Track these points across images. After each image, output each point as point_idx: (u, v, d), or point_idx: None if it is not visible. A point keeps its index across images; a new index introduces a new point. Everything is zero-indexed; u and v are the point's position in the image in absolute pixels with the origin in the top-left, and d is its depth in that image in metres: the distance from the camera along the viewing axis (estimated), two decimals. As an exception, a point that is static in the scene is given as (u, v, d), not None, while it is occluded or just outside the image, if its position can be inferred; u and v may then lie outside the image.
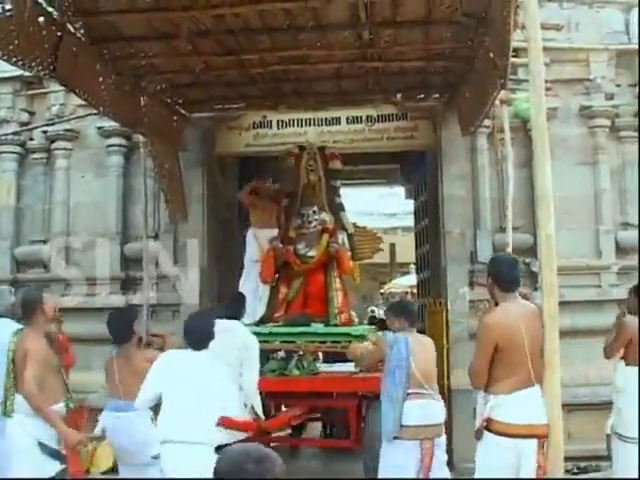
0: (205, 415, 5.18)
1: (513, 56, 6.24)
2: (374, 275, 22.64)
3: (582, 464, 8.78)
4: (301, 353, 8.48)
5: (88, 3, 6.91)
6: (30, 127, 11.11)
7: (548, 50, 5.62)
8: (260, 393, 7.44)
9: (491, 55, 6.75)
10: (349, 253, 9.41)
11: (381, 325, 10.64)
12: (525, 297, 7.01)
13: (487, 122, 9.37)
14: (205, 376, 5.34)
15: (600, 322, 8.42)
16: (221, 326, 6.04)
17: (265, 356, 8.29)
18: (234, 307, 7.85)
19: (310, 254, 9.37)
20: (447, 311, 9.65)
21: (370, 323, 11.89)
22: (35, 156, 11.09)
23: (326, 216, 9.46)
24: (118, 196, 10.51)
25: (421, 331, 7.85)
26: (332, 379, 8.40)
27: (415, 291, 17.29)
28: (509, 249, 8.67)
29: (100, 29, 7.55)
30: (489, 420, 4.80)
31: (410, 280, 20.56)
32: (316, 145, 9.66)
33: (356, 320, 9.43)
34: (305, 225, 9.47)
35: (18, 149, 11.06)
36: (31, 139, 11.14)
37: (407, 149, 10.79)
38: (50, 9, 6.95)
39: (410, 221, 14.70)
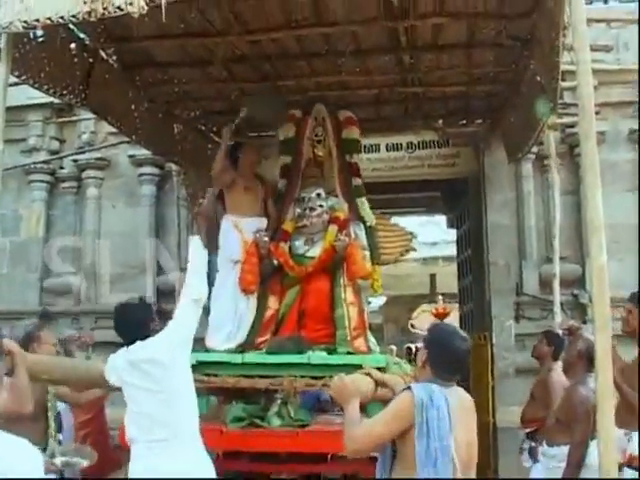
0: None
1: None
2: (413, 307, 22.51)
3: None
4: (285, 394, 6.40)
5: (121, 29, 6.98)
6: (60, 155, 11.27)
7: (596, 72, 5.56)
8: (217, 456, 5.63)
9: (538, 78, 6.73)
10: (366, 252, 7.36)
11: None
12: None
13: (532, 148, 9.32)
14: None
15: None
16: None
17: (231, 398, 6.78)
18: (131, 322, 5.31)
19: (311, 254, 7.30)
20: (492, 345, 9.57)
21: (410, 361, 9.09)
22: (65, 185, 11.23)
23: (336, 202, 7.52)
24: (150, 226, 10.59)
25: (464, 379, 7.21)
26: (331, 434, 5.65)
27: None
28: (557, 280, 8.64)
29: (132, 55, 7.65)
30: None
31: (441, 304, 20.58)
32: (325, 107, 7.87)
33: (377, 349, 7.08)
34: (306, 214, 7.35)
35: (48, 178, 11.21)
36: (61, 168, 11.29)
37: (449, 177, 10.73)
38: (82, 35, 7.07)
39: (451, 250, 14.62)
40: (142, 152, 10.16)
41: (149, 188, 10.74)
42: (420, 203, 14.38)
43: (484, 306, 10.11)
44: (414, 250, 8.17)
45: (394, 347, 15.13)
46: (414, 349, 14.09)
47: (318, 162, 7.72)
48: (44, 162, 11.17)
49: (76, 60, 7.04)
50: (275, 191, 7.82)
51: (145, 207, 10.68)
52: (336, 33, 7.16)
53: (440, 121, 9.92)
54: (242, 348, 7.02)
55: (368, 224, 7.59)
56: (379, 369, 5.52)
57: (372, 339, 7.21)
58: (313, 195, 7.44)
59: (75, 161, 11.07)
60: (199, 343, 6.51)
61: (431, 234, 20.44)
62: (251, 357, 6.73)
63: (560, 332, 7.52)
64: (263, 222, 7.58)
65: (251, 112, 7.92)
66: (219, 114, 9.11)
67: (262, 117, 8.49)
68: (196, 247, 5.58)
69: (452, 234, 13.87)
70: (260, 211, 7.64)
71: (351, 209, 7.58)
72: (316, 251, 7.26)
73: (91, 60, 7.24)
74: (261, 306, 7.27)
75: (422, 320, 21.26)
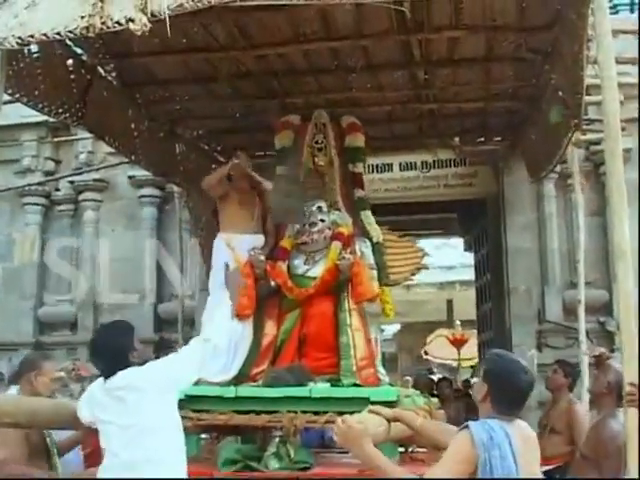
0: None
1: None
2: (429, 335, 22.45)
3: None
4: (284, 432, 5.83)
5: (120, 45, 7.00)
6: (56, 177, 11.33)
7: (622, 86, 5.56)
8: None
9: (560, 93, 6.73)
10: (373, 271, 6.99)
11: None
12: (603, 359, 6.92)
13: (554, 167, 9.33)
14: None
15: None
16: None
17: (224, 437, 6.71)
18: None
19: (312, 274, 6.89)
20: (513, 376, 9.50)
21: (431, 394, 8.81)
22: (61, 208, 11.28)
23: (339, 216, 7.17)
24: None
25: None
26: (337, 478, 5.60)
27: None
28: (582, 307, 8.59)
29: (133, 72, 7.67)
30: None
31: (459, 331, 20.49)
32: (326, 113, 7.56)
33: (386, 380, 6.74)
34: (306, 230, 7.03)
35: (43, 200, 11.27)
36: (57, 190, 11.34)
37: (466, 197, 10.75)
38: (79, 51, 7.11)
39: (469, 275, 14.63)
40: (142, 173, 10.19)
41: (150, 211, 10.77)
42: (435, 225, 14.38)
43: (504, 334, 10.07)
44: (426, 268, 7.65)
45: (409, 378, 15.01)
46: (436, 380, 12.86)
47: (319, 172, 7.37)
48: (39, 184, 11.22)
49: (73, 77, 7.07)
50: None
51: (146, 231, 10.70)
52: (346, 48, 7.18)
53: (456, 139, 9.91)
54: (236, 380, 6.58)
55: (375, 240, 7.21)
56: (389, 403, 5.40)
57: (381, 369, 6.82)
58: (314, 209, 7.10)
59: (72, 183, 11.12)
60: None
61: (447, 258, 20.49)
62: (245, 390, 6.24)
63: (587, 360, 7.46)
64: (259, 239, 7.27)
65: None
66: (223, 133, 9.14)
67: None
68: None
69: (470, 258, 13.88)
70: (257, 228, 7.34)
71: (356, 224, 7.27)
72: (317, 271, 6.86)
73: (89, 77, 7.26)
74: (257, 333, 6.85)
75: (437, 346, 21.19)
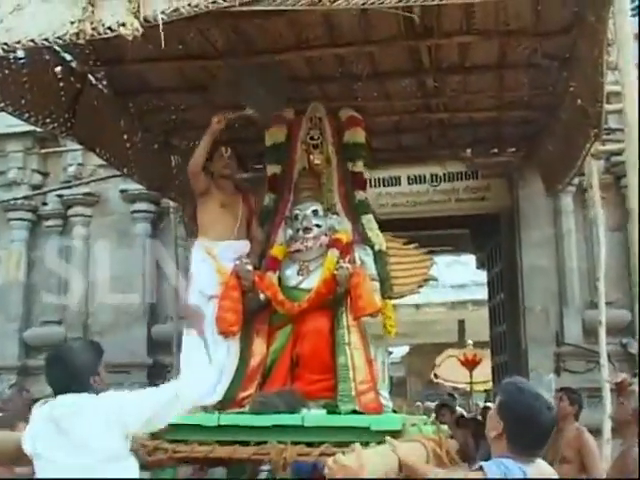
0: None
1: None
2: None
3: None
4: (273, 466, 5.45)
5: (112, 51, 7.00)
6: (43, 190, 11.32)
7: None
8: None
9: (579, 101, 6.72)
10: (374, 283, 6.58)
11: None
12: (625, 385, 6.89)
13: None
14: None
15: None
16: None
17: (205, 471, 6.44)
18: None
19: (306, 286, 6.54)
20: (530, 402, 9.46)
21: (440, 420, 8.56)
22: (49, 223, 11.26)
23: (337, 221, 6.83)
24: (145, 269, 10.58)
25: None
26: None
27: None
28: (602, 328, 8.56)
29: (125, 80, 7.68)
30: None
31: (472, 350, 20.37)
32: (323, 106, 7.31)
33: (389, 406, 6.42)
34: (300, 236, 6.62)
35: (29, 215, 11.26)
36: (44, 204, 11.34)
37: (478, 212, 10.73)
38: (69, 58, 7.12)
39: (482, 294, 14.58)
40: (135, 187, 10.18)
41: (143, 226, 10.76)
42: (446, 242, 14.37)
43: (520, 357, 10.04)
44: (434, 279, 7.35)
45: (420, 404, 14.94)
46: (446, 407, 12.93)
47: (314, 172, 7.02)
48: (25, 198, 11.21)
49: (62, 85, 7.09)
50: (261, 208, 7.23)
51: (139, 248, 10.69)
52: (351, 54, 7.18)
53: (468, 150, 9.93)
54: (220, 405, 6.25)
55: (377, 248, 6.82)
56: (393, 433, 5.12)
57: (384, 394, 6.45)
58: (308, 212, 6.70)
59: (60, 197, 11.11)
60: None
61: (459, 275, 20.52)
62: (229, 418, 5.89)
63: (608, 386, 7.43)
64: (244, 246, 6.90)
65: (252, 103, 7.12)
66: (221, 144, 9.12)
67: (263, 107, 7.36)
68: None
69: (482, 276, 13.86)
70: (241, 233, 6.98)
71: (355, 230, 6.93)
72: (312, 282, 6.48)
73: (78, 85, 7.28)
74: (244, 352, 6.49)
75: (447, 369, 21.10)
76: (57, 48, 6.69)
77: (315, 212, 6.71)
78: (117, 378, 10.16)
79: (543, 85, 7.74)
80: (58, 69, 6.99)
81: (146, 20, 4.72)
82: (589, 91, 6.29)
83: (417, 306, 20.45)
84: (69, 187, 11.01)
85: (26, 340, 10.99)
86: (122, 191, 10.82)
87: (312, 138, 7.06)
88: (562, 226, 9.90)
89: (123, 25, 4.68)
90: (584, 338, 9.70)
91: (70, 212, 11.09)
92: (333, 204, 6.98)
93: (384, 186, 10.34)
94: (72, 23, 4.82)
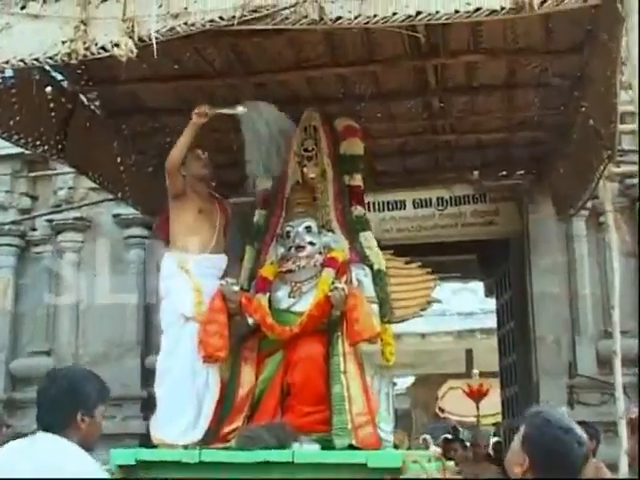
0: None
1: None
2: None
3: None
4: None
5: (105, 71, 7.02)
6: (32, 215, 11.28)
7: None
8: None
9: (591, 122, 6.73)
10: (373, 305, 6.33)
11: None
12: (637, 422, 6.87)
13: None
14: None
15: None
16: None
17: None
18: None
19: (298, 308, 6.28)
20: (541, 436, 9.42)
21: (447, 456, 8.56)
22: (38, 250, 11.23)
23: (332, 239, 6.61)
24: (139, 298, 10.55)
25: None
26: None
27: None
28: (618, 359, 8.54)
29: (118, 100, 7.72)
30: None
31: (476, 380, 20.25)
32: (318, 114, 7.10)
33: (389, 440, 6.23)
34: (292, 255, 6.42)
35: (17, 241, 11.20)
36: (33, 229, 11.30)
37: (486, 237, 10.72)
38: (60, 77, 7.14)
39: (491, 322, 14.56)
40: (129, 211, 10.18)
41: (137, 253, 10.73)
42: (453, 268, 14.35)
43: (531, 389, 9.99)
44: (438, 301, 7.02)
45: (428, 437, 14.82)
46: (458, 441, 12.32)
47: (308, 186, 6.84)
48: (13, 223, 11.17)
49: (52, 106, 7.12)
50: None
51: (132, 275, 10.65)
52: (354, 74, 7.23)
53: (476, 173, 9.95)
54: (203, 441, 5.97)
55: (376, 267, 6.59)
56: (392, 471, 5.12)
57: (385, 427, 6.22)
58: (301, 229, 6.49)
59: (50, 222, 11.07)
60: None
61: (466, 303, 20.49)
62: (212, 454, 5.61)
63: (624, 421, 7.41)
64: (222, 261, 6.59)
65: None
66: (219, 167, 9.12)
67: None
68: None
69: (491, 303, 13.84)
70: (219, 245, 6.62)
71: (352, 248, 6.68)
72: (305, 305, 6.20)
73: (70, 106, 7.32)
74: (231, 382, 6.20)
75: (452, 401, 20.97)
76: (47, 68, 6.72)
77: (308, 229, 6.52)
78: (109, 412, 10.16)
79: (554, 105, 7.78)
80: (48, 89, 7.03)
81: (141, 40, 4.74)
82: (602, 111, 6.30)
83: (423, 335, 20.39)
84: (59, 212, 10.98)
85: (12, 371, 10.94)
86: (115, 216, 10.80)
87: (306, 149, 6.89)
88: (574, 252, 9.88)
89: (117, 45, 4.70)
90: (598, 369, 9.66)
91: (60, 238, 11.05)
92: (328, 220, 6.78)
93: (388, 210, 10.33)
94: (64, 43, 4.86)
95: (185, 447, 5.86)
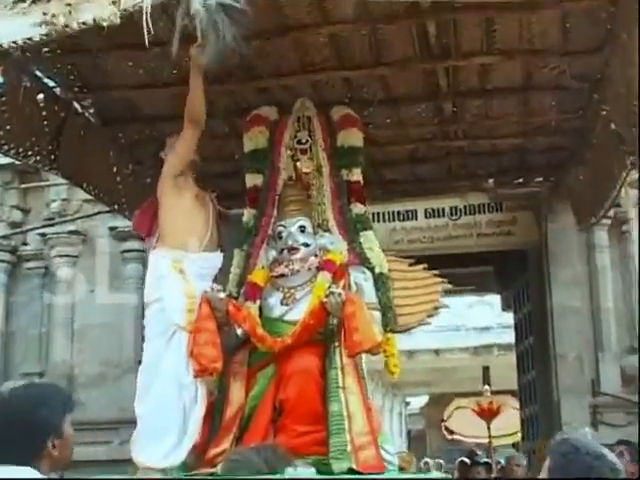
0: None
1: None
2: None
3: None
4: None
5: (99, 77, 7.04)
6: (24, 229, 11.29)
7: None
8: None
9: (612, 126, 6.73)
10: (375, 312, 6.10)
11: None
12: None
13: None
14: None
15: None
16: None
17: None
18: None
19: (292, 317, 5.99)
20: (563, 458, 9.39)
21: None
22: (30, 265, 11.23)
23: (329, 240, 6.35)
24: (137, 315, 10.50)
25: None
26: None
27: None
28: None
29: (114, 108, 7.72)
30: None
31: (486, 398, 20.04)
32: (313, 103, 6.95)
33: (394, 462, 5.96)
34: (284, 258, 6.14)
35: (7, 257, 11.21)
36: (25, 244, 11.31)
37: (503, 248, 10.71)
38: (52, 84, 7.14)
39: (509, 337, 14.54)
40: (126, 224, 10.14)
41: (135, 267, 10.73)
42: (468, 281, 14.33)
43: (552, 409, 9.96)
44: (446, 307, 6.77)
45: (441, 461, 14.75)
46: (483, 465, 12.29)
47: (302, 182, 6.62)
48: (3, 237, 11.19)
49: (44, 114, 7.09)
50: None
51: (130, 291, 10.64)
52: (361, 78, 7.23)
53: (491, 181, 9.92)
54: (187, 465, 5.66)
55: (377, 270, 6.35)
56: None
57: (389, 448, 5.95)
58: (294, 229, 6.21)
59: (42, 235, 11.09)
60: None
61: (482, 318, 20.47)
62: None
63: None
64: (218, 260, 6.26)
65: None
66: (220, 177, 9.15)
67: None
68: None
69: (508, 318, 13.82)
70: (212, 242, 6.23)
71: (352, 249, 6.43)
72: (299, 313, 5.89)
73: (63, 114, 7.30)
74: (218, 400, 5.90)
75: (459, 422, 20.75)
76: (39, 73, 6.75)
77: (302, 229, 6.26)
78: (105, 436, 10.18)
79: (572, 108, 7.77)
80: (40, 96, 6.99)
81: (125, 10, 4.62)
82: (623, 114, 6.30)
83: (437, 351, 20.41)
84: (52, 225, 10.98)
85: (4, 394, 10.91)
86: (111, 229, 10.81)
87: (300, 142, 6.73)
88: (596, 263, 9.89)
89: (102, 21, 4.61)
90: (623, 387, 9.66)
91: (53, 252, 11.06)
92: (325, 219, 6.57)
93: (399, 220, 10.33)
94: (40, 25, 4.76)
95: (164, 471, 5.58)
